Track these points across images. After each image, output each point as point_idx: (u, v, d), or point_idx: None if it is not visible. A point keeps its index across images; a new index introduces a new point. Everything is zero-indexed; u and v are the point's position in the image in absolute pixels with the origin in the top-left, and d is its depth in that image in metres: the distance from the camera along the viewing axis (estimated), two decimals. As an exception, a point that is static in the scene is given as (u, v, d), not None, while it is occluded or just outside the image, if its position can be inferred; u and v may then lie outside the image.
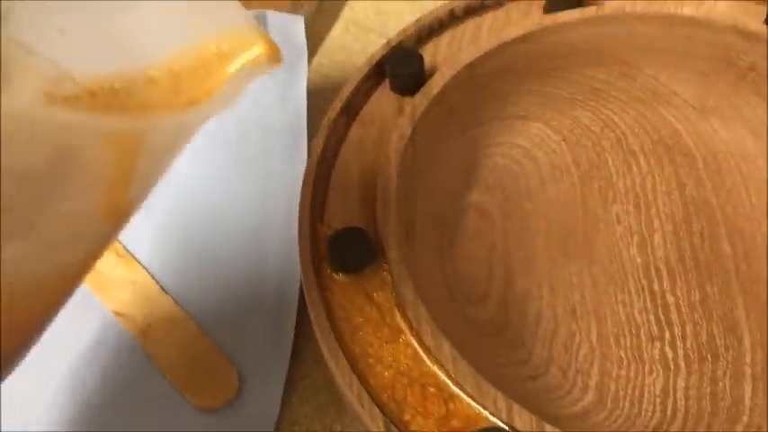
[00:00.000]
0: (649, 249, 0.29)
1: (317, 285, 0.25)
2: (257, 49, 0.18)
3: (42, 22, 0.18)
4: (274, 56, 0.19)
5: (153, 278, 0.30)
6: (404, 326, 0.24)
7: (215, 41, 0.18)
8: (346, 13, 0.40)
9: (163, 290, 0.30)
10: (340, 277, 0.25)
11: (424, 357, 0.23)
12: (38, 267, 0.15)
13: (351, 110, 0.29)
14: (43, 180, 0.13)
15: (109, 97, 0.17)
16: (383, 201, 0.26)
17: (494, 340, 0.28)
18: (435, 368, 0.23)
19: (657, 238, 0.30)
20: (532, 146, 0.32)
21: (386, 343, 0.24)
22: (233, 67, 0.18)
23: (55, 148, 0.13)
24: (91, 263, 0.16)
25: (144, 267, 0.30)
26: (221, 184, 0.32)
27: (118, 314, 0.29)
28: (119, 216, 0.16)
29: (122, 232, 0.18)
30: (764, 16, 0.30)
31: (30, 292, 0.15)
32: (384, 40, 0.31)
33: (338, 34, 0.40)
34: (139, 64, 0.18)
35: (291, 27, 0.35)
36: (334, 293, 0.25)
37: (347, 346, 0.24)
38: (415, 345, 0.24)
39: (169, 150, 0.16)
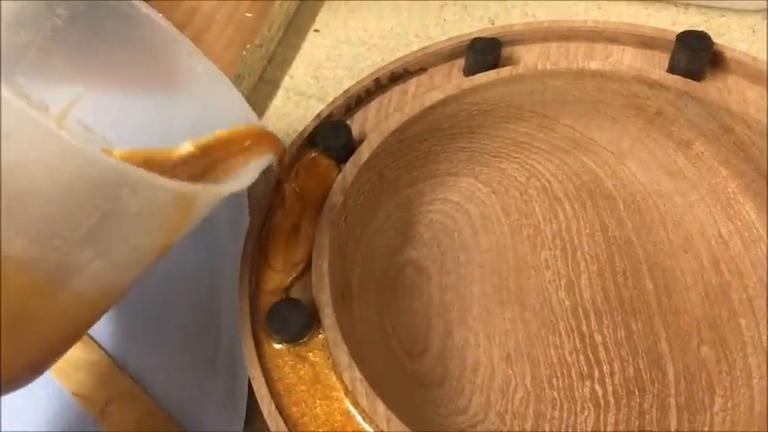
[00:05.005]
0: (577, 291, 0.31)
1: (258, 356, 0.26)
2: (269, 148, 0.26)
3: (103, 112, 0.27)
4: (280, 148, 0.27)
5: (110, 357, 0.31)
6: (338, 384, 0.25)
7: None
8: (286, 81, 0.42)
9: (120, 368, 0.31)
10: (278, 346, 0.26)
11: (357, 416, 0.25)
12: (104, 281, 0.21)
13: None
14: (131, 223, 0.20)
15: (194, 167, 0.25)
16: (317, 270, 0.28)
17: (434, 392, 0.29)
18: (370, 427, 0.24)
19: (584, 279, 0.31)
20: (464, 199, 0.34)
21: (320, 400, 0.25)
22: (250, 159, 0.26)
23: (144, 201, 0.19)
24: (131, 285, 0.23)
25: (99, 346, 0.32)
26: (171, 258, 0.34)
27: (76, 395, 0.31)
28: (165, 253, 0.23)
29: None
30: (667, 65, 0.32)
31: (94, 302, 0.22)
32: (324, 106, 0.33)
33: (280, 103, 0.42)
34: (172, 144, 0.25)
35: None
36: (271, 356, 0.26)
37: (285, 409, 0.25)
38: (347, 403, 0.25)
39: (202, 213, 0.22)
